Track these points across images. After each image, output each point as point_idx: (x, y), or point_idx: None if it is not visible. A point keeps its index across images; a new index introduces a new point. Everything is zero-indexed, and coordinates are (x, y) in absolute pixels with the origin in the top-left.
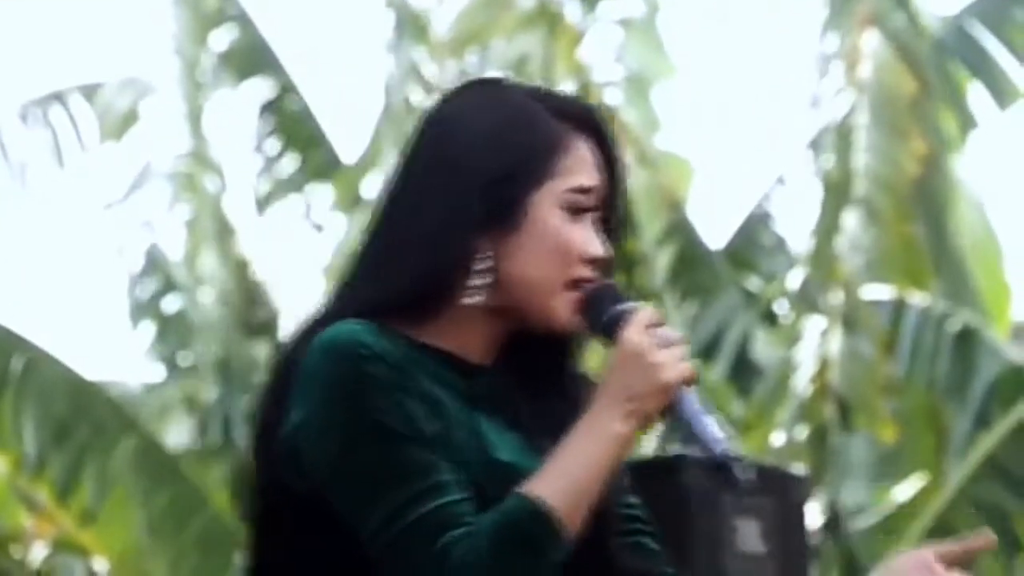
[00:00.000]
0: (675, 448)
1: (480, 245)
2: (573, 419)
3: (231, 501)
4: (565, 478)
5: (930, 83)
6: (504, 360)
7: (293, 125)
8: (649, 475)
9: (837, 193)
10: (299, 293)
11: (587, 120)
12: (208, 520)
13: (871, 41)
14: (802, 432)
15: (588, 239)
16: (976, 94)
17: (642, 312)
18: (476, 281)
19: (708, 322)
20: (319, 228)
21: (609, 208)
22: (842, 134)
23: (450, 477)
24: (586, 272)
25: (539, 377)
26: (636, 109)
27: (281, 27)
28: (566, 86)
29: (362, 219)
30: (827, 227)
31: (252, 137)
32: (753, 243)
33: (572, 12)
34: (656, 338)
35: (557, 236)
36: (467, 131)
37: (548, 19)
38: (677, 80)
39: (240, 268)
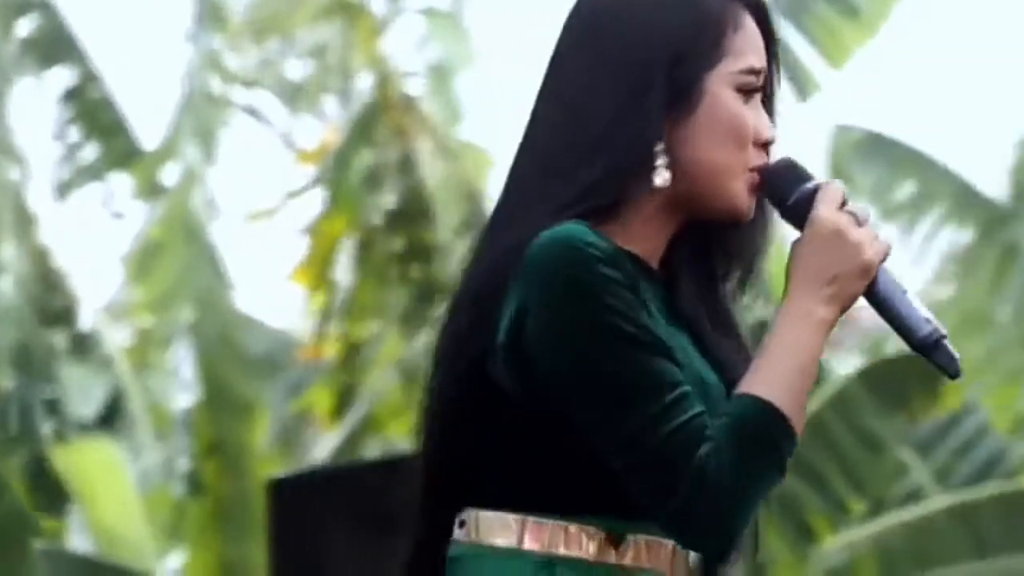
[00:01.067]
0: None
1: (664, 131)
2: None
3: (28, 490)
4: (784, 374)
5: None
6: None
7: (94, 113)
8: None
9: None
10: (98, 281)
11: (753, 4)
12: (5, 509)
13: None
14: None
15: (761, 122)
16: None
17: (832, 187)
18: (658, 162)
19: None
20: (119, 216)
21: (771, 89)
22: None
23: (690, 387)
24: (762, 157)
25: (706, 287)
26: (437, 99)
27: (84, 15)
28: (365, 76)
29: (161, 207)
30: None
31: (53, 125)
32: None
33: (376, 1)
34: (851, 215)
35: (734, 118)
36: (632, 11)
37: (347, 8)
38: (480, 70)
39: (39, 256)
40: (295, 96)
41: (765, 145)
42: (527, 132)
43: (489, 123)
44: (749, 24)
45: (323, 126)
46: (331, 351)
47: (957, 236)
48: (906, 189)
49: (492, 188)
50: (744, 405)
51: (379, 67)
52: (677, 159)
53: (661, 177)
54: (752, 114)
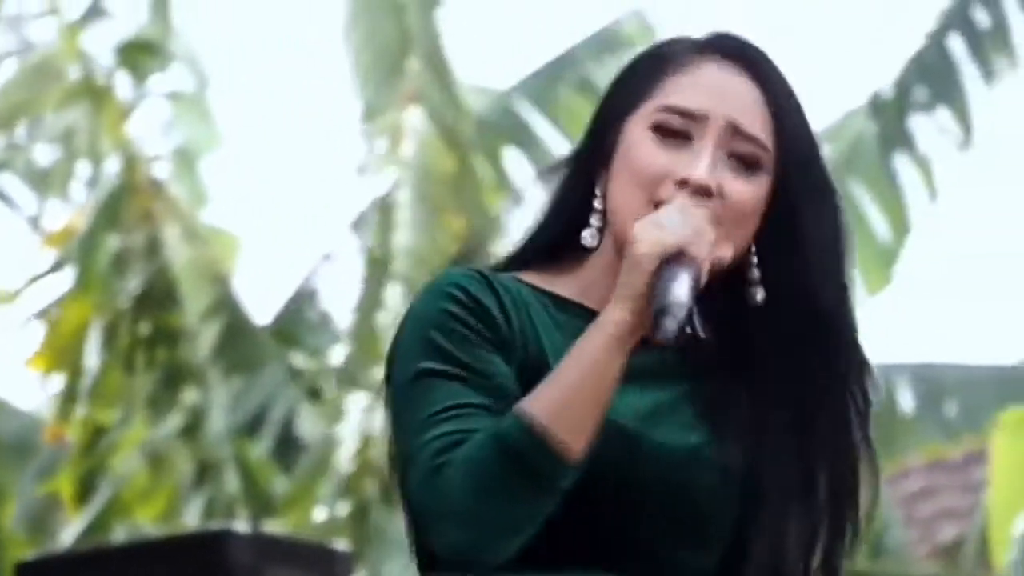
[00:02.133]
0: (221, 522)
1: (598, 181)
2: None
3: None
4: (560, 387)
5: (470, 161)
6: None
7: None
8: (190, 549)
9: (379, 270)
10: None
11: (731, 50)
12: None
13: (414, 119)
14: (344, 508)
15: (682, 163)
16: (521, 168)
17: (671, 204)
18: (591, 220)
19: (253, 398)
20: None
21: (743, 142)
22: (384, 211)
23: (479, 402)
24: (671, 195)
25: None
26: (183, 183)
27: None
28: (112, 160)
29: None
30: (369, 304)
31: None
32: (299, 319)
33: (122, 85)
34: (654, 221)
35: (634, 155)
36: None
37: (94, 92)
38: (225, 154)
39: None
40: (42, 180)
41: (684, 184)
42: None
43: (235, 206)
44: (706, 69)
45: (70, 210)
46: (76, 435)
47: None
48: None
49: (238, 271)
50: (502, 420)
51: (126, 151)
52: (608, 210)
53: (589, 235)
54: (674, 155)
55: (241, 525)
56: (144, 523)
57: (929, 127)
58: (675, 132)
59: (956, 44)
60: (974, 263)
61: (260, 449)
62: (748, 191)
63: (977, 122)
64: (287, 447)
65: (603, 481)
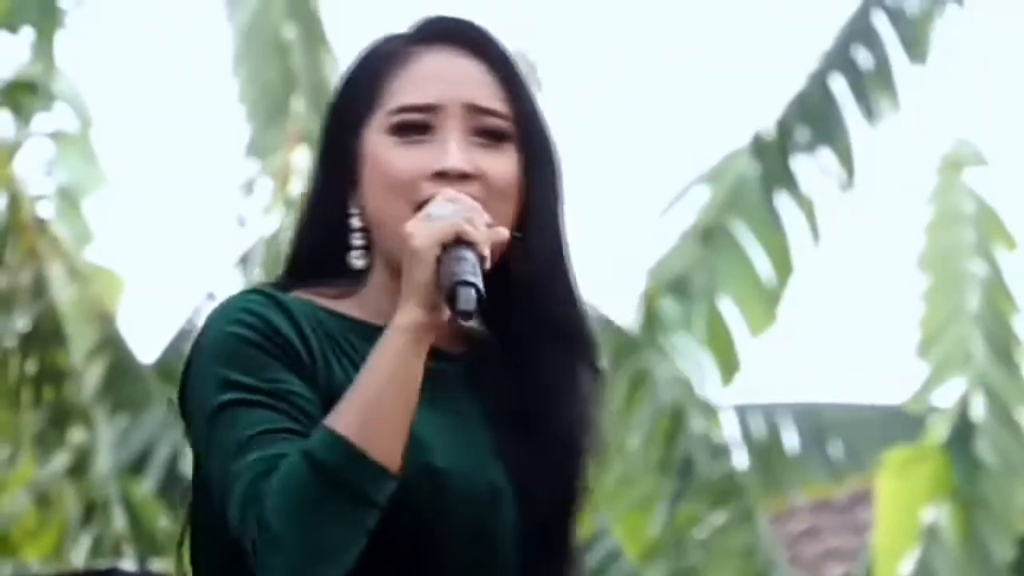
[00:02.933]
0: (108, 561)
1: (352, 202)
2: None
3: None
4: (361, 396)
5: None
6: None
7: None
8: None
9: None
10: None
11: (450, 33)
12: None
13: (302, 158)
14: None
15: (432, 157)
16: None
17: (436, 196)
18: (353, 241)
19: (138, 436)
20: None
21: (485, 117)
22: (272, 250)
23: (284, 427)
24: (432, 190)
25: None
26: (67, 222)
27: None
28: None
29: None
30: None
31: None
32: (183, 357)
33: (4, 124)
34: (426, 216)
35: (379, 163)
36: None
37: None
38: (109, 193)
39: None
40: None
41: (443, 175)
42: None
43: (119, 246)
44: (427, 59)
45: None
46: None
47: None
48: None
49: (123, 310)
50: (311, 439)
51: (10, 189)
52: (367, 224)
53: (356, 256)
54: (420, 151)
55: (128, 563)
56: (32, 562)
57: (812, 168)
58: (415, 129)
59: (838, 84)
60: (857, 303)
61: (146, 488)
62: (503, 164)
63: (859, 163)
64: (172, 486)
65: (407, 522)
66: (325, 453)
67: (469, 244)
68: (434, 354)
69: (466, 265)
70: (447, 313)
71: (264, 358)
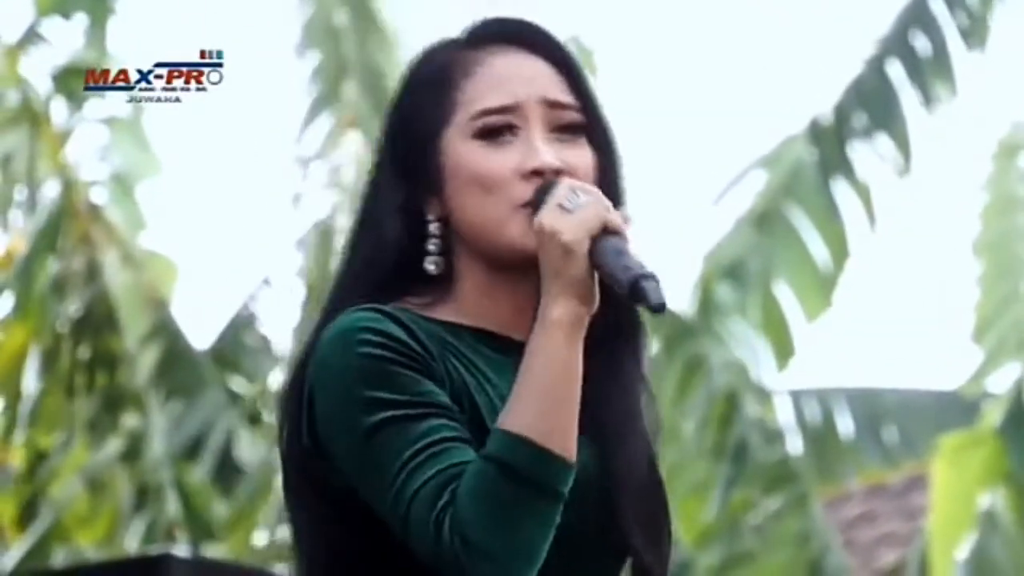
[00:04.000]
0: (161, 546)
1: (427, 208)
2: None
3: None
4: (532, 396)
5: None
6: None
7: None
8: (131, 574)
9: (320, 294)
10: None
11: (509, 33)
12: None
13: (353, 144)
14: (285, 532)
15: (521, 154)
16: None
17: (555, 190)
18: (429, 247)
19: (192, 422)
20: None
21: (561, 112)
22: (324, 236)
23: (452, 440)
24: (528, 190)
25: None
26: (121, 208)
27: None
28: (51, 185)
29: None
30: (308, 328)
31: None
32: (238, 344)
33: (58, 110)
34: (558, 206)
35: (472, 168)
36: (391, 105)
37: (32, 117)
38: (162, 179)
39: None
40: None
41: (538, 174)
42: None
43: (173, 231)
44: (493, 63)
45: (7, 235)
46: (17, 459)
47: None
48: None
49: (176, 296)
50: (489, 443)
51: (64, 176)
52: (459, 227)
53: (431, 263)
54: (508, 152)
55: (181, 549)
56: (85, 547)
57: (869, 153)
58: (498, 131)
59: (895, 70)
60: (913, 288)
61: (199, 473)
62: (583, 156)
63: (915, 148)
64: (226, 471)
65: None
66: (511, 455)
67: (616, 233)
68: (516, 344)
69: (630, 256)
70: (596, 305)
71: (404, 372)
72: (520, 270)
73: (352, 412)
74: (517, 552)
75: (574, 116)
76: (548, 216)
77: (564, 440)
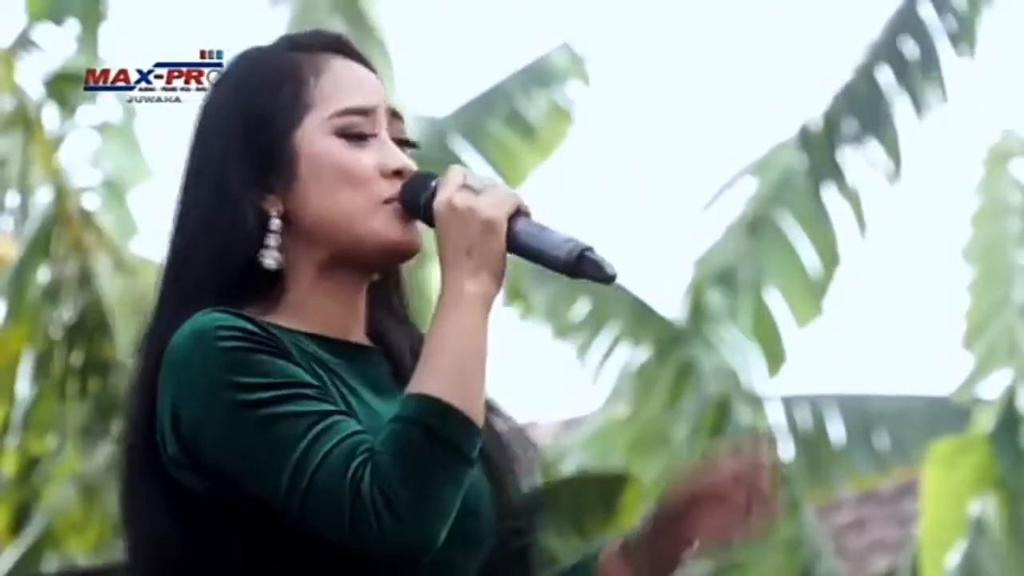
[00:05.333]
0: None
1: (267, 205)
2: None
3: None
4: (447, 363)
5: None
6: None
7: None
8: None
9: None
10: None
11: (339, 45)
12: None
13: None
14: None
15: (385, 153)
16: None
17: (449, 173)
18: (269, 242)
19: None
20: None
21: (397, 122)
22: None
23: (341, 414)
24: (393, 188)
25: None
26: (113, 214)
27: None
28: (44, 191)
29: None
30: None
31: None
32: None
33: (50, 116)
34: (466, 188)
35: (336, 163)
36: (217, 103)
37: (25, 123)
38: (154, 185)
39: None
40: None
41: (399, 174)
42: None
43: (164, 237)
44: (337, 66)
45: None
46: (9, 465)
47: (633, 355)
48: (581, 308)
49: None
50: (406, 407)
51: (56, 181)
52: (303, 223)
53: (271, 258)
54: (366, 152)
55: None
56: (77, 554)
57: (859, 160)
58: (359, 131)
59: (885, 76)
60: (904, 295)
61: None
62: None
63: (906, 155)
64: None
65: None
66: (432, 418)
67: (528, 214)
68: (355, 349)
69: (558, 232)
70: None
71: (270, 359)
72: (358, 268)
73: (225, 403)
74: (436, 512)
75: (402, 128)
76: (458, 196)
77: (477, 409)
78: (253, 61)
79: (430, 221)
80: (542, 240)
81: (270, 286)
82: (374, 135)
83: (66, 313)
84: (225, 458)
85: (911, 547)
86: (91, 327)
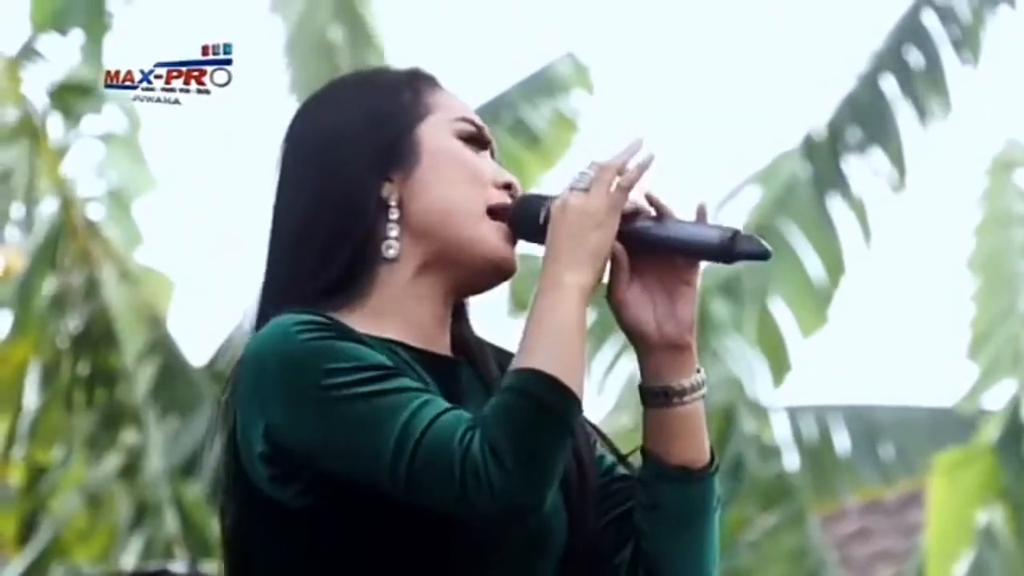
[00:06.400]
0: (159, 562)
1: (384, 192)
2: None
3: None
4: (546, 342)
5: None
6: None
7: None
8: None
9: None
10: None
11: (434, 80)
12: None
13: None
14: None
15: (495, 167)
16: None
17: (572, 183)
18: (390, 231)
19: (189, 438)
20: None
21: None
22: None
23: (423, 388)
24: (501, 197)
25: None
26: (117, 224)
27: None
28: (49, 201)
29: None
30: None
31: None
32: (235, 360)
33: (55, 126)
34: (577, 191)
35: (461, 157)
36: (332, 108)
37: (31, 133)
38: (158, 195)
39: None
40: None
41: (509, 187)
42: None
43: (169, 247)
44: (443, 90)
45: (3, 251)
46: (16, 476)
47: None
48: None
49: (173, 312)
50: (513, 379)
51: (62, 192)
52: (414, 216)
53: (391, 247)
54: (483, 159)
55: (179, 566)
56: (83, 563)
57: (863, 169)
58: (475, 141)
59: (889, 85)
60: (908, 304)
61: (197, 490)
62: None
63: (910, 164)
64: None
65: (469, 530)
66: (539, 389)
67: (655, 212)
68: (440, 359)
69: (689, 223)
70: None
71: (355, 345)
72: (455, 276)
73: (321, 390)
74: (543, 472)
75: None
76: (568, 196)
77: (579, 383)
78: (366, 74)
79: (541, 239)
80: (681, 231)
81: (347, 292)
82: (485, 150)
83: (72, 323)
84: (327, 450)
85: (916, 557)
86: (97, 337)
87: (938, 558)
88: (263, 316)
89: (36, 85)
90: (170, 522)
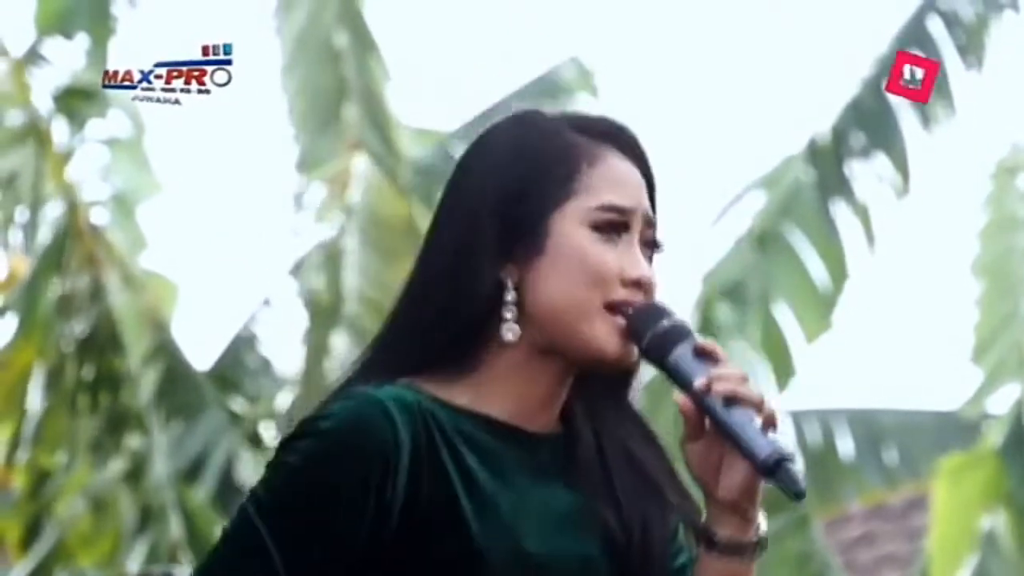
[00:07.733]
0: (164, 567)
1: (504, 274)
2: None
3: None
4: None
5: (413, 207)
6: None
7: None
8: None
9: (326, 315)
10: None
11: (620, 138)
12: None
13: (360, 164)
14: None
15: (626, 260)
16: None
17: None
18: (506, 314)
19: (193, 443)
20: None
21: (650, 229)
22: (331, 256)
23: None
24: (626, 294)
25: (604, 432)
26: (122, 229)
27: None
28: (54, 205)
29: None
30: (316, 348)
31: None
32: (239, 365)
33: (59, 130)
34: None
35: (584, 255)
36: (481, 161)
37: (37, 137)
38: (162, 200)
39: None
40: None
41: (637, 284)
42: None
43: (173, 252)
44: (612, 161)
45: (8, 255)
46: (20, 480)
47: (642, 371)
48: None
49: (177, 317)
50: None
51: (67, 196)
52: (530, 302)
53: (511, 331)
54: (614, 251)
55: (183, 570)
56: (87, 568)
57: (867, 174)
58: (613, 229)
59: None
60: (912, 309)
61: (201, 495)
62: (656, 274)
63: (914, 169)
64: (228, 493)
65: None
66: None
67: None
68: (524, 436)
69: (755, 424)
70: None
71: (309, 488)
72: (562, 362)
73: (250, 491)
74: None
75: (655, 235)
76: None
77: None
78: (531, 129)
79: (651, 360)
80: (741, 427)
81: (458, 364)
82: (625, 234)
83: (77, 327)
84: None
85: (921, 562)
86: (102, 341)
87: (942, 562)
88: (367, 370)
89: (41, 89)
90: (174, 526)
